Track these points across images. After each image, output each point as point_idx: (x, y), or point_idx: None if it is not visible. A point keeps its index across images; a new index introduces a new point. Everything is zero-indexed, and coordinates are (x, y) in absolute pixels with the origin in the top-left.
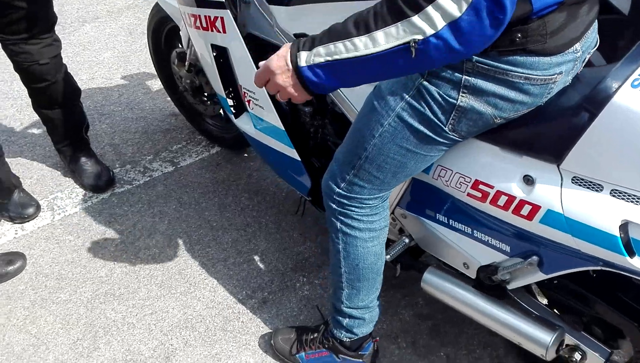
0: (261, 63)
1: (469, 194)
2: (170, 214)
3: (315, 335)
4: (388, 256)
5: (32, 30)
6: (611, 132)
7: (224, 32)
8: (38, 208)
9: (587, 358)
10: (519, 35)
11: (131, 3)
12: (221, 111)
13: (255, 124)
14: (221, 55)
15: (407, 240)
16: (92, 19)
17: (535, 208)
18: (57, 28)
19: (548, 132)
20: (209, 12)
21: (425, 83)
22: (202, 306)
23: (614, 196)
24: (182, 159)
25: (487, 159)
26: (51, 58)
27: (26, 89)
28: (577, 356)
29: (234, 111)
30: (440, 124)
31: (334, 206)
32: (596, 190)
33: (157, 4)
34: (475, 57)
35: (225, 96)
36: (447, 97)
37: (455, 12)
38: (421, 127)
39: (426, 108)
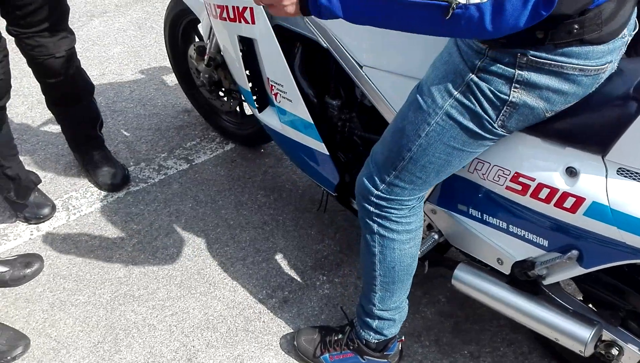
0: None
1: (507, 188)
2: (186, 213)
3: (340, 336)
4: (418, 253)
5: (48, 22)
6: None
7: (253, 22)
8: (53, 208)
9: (625, 353)
10: (576, 26)
11: None
12: (237, 108)
13: (282, 117)
14: (247, 47)
15: (436, 236)
16: (100, 13)
17: (580, 201)
18: None
19: (593, 122)
20: (238, 3)
21: (476, 79)
22: (223, 307)
23: None
24: (197, 157)
25: (528, 151)
26: (67, 51)
27: (39, 85)
28: (614, 352)
29: (257, 105)
30: (490, 120)
31: (371, 208)
32: None
33: None
34: (530, 52)
35: (249, 90)
36: (498, 93)
37: None
38: (470, 125)
39: (476, 105)
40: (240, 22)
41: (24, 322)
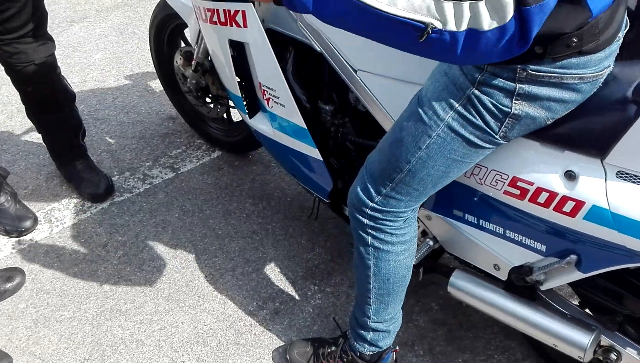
0: None
1: (505, 192)
2: (173, 223)
3: (333, 348)
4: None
5: (27, 28)
6: None
7: (245, 26)
8: (35, 220)
9: (623, 358)
10: (575, 39)
11: (120, 2)
12: (224, 114)
13: (273, 123)
14: (237, 52)
15: (431, 243)
16: (80, 18)
17: (579, 204)
18: None
19: (591, 126)
20: (229, 6)
21: (477, 92)
22: (213, 320)
23: None
24: (183, 165)
25: (526, 155)
26: (47, 57)
27: (18, 94)
28: (612, 357)
29: (247, 111)
30: (492, 132)
31: (365, 220)
32: None
33: (161, 1)
34: (530, 66)
35: (240, 95)
36: (500, 106)
37: (485, 24)
38: (472, 137)
39: (478, 118)
40: (231, 25)
41: (6, 340)
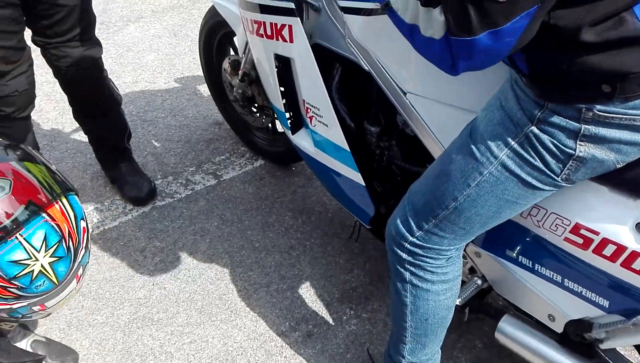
0: None
1: (566, 239)
2: (212, 232)
3: None
4: (458, 300)
5: (74, 32)
6: None
7: (291, 41)
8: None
9: None
10: None
11: (176, 3)
12: (270, 125)
13: (316, 142)
14: (283, 66)
15: (479, 282)
16: (136, 18)
17: None
18: (100, 27)
19: None
20: (276, 19)
21: (536, 130)
22: (244, 337)
23: None
24: (225, 172)
25: (592, 200)
26: (93, 61)
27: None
28: None
29: (290, 126)
30: (553, 174)
31: (403, 254)
32: None
33: (212, 8)
34: (597, 106)
35: (283, 110)
36: (562, 147)
37: (422, 28)
38: (529, 178)
39: (536, 158)
40: (277, 39)
41: None
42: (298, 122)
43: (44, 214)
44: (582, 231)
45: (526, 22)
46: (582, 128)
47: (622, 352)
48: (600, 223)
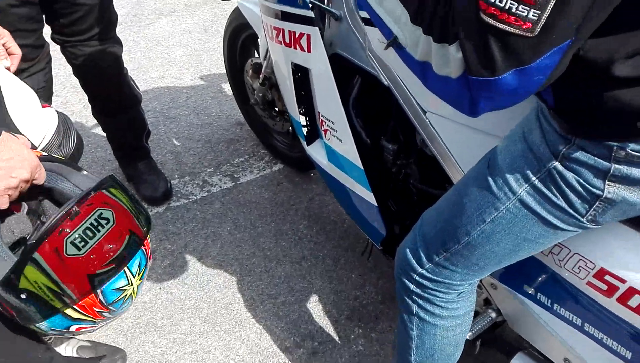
0: None
1: (589, 283)
2: (224, 237)
3: None
4: (470, 333)
5: (94, 31)
6: None
7: (309, 51)
8: None
9: None
10: None
11: None
12: (289, 129)
13: (330, 156)
14: (301, 75)
15: (493, 315)
16: (169, 12)
17: None
18: (133, 20)
19: None
20: (295, 27)
21: (560, 167)
22: (246, 350)
23: None
24: (243, 175)
25: (619, 244)
26: (113, 60)
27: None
28: None
29: (306, 137)
30: (577, 215)
31: (411, 286)
32: None
33: (237, 9)
34: (630, 145)
35: (299, 120)
36: (589, 187)
37: (434, 65)
38: (550, 217)
39: (559, 197)
40: (295, 48)
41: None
42: (314, 133)
43: (143, 243)
44: (607, 277)
45: (558, 59)
46: (613, 168)
47: None
48: (627, 270)
